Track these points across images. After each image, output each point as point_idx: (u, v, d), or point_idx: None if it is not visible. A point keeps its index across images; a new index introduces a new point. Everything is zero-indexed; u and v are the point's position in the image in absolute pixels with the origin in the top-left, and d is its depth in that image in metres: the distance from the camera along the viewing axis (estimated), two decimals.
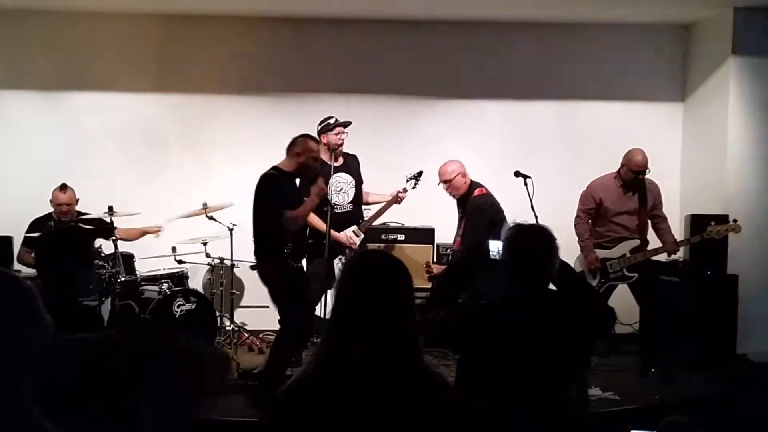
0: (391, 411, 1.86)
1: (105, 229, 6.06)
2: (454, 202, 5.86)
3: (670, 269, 6.34)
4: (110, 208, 5.86)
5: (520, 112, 7.27)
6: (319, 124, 6.04)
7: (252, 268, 5.21)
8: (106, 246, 5.83)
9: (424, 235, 6.56)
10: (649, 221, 5.81)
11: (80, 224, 5.95)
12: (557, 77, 7.24)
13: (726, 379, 5.56)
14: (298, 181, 5.25)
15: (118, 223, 5.86)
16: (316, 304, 5.62)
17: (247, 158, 7.11)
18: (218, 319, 6.05)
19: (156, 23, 7.05)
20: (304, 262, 5.58)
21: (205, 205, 6.13)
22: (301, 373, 2.02)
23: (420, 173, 5.90)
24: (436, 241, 6.55)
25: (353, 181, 5.96)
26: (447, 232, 6.12)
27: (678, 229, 6.29)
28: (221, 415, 4.48)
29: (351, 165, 5.97)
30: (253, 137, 7.14)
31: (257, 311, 6.63)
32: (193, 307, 5.78)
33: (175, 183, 7.02)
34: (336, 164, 5.78)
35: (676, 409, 4.67)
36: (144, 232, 6.25)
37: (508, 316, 2.71)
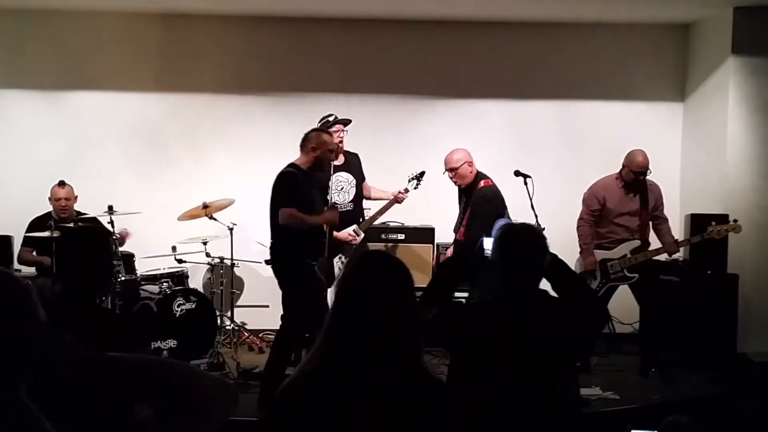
0: (389, 411, 1.86)
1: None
2: (455, 201, 5.85)
3: (671, 269, 6.34)
4: (110, 208, 5.86)
5: (519, 112, 7.27)
6: (319, 122, 6.06)
7: (267, 262, 5.19)
8: None
9: (425, 234, 6.56)
10: (650, 222, 5.81)
11: (82, 224, 5.96)
12: (557, 77, 7.24)
13: (726, 378, 5.56)
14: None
15: (118, 223, 5.86)
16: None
17: (247, 158, 7.13)
18: (218, 318, 6.05)
19: (156, 23, 7.04)
20: None
21: (205, 204, 6.13)
22: (300, 372, 2.02)
23: (422, 173, 5.89)
24: (437, 241, 6.55)
25: (354, 180, 5.96)
26: (447, 231, 6.11)
27: (678, 229, 6.29)
28: None
29: (352, 164, 5.98)
30: (253, 137, 7.15)
31: (257, 311, 6.64)
32: (193, 306, 5.77)
33: (176, 182, 7.02)
34: (337, 163, 5.79)
35: (677, 408, 4.67)
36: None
37: (498, 315, 2.72)
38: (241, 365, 5.63)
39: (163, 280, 5.86)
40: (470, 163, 5.62)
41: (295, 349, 5.24)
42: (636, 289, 5.74)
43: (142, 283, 5.91)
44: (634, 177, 5.66)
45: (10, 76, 7.00)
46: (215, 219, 6.18)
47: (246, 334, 6.50)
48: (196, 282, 6.73)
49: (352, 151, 6.02)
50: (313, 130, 5.24)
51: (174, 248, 6.12)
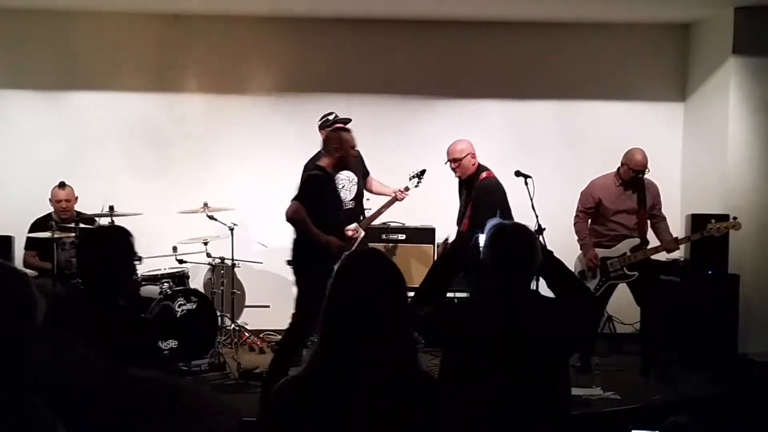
0: (385, 410, 1.86)
1: None
2: (456, 201, 5.83)
3: (671, 269, 6.35)
4: (111, 208, 5.87)
5: (520, 112, 7.27)
6: (319, 120, 6.09)
7: (288, 263, 5.19)
8: None
9: (425, 234, 6.56)
10: (648, 221, 5.82)
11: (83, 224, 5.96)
12: (558, 77, 7.24)
13: (727, 378, 5.56)
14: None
15: (119, 223, 5.86)
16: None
17: (248, 157, 7.13)
18: (219, 318, 6.05)
19: (156, 22, 7.04)
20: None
21: (205, 204, 6.13)
22: (297, 372, 2.02)
23: (423, 171, 5.89)
24: (437, 241, 6.55)
25: (355, 179, 5.98)
26: (448, 231, 6.11)
27: (679, 229, 6.29)
28: None
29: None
30: (254, 136, 7.15)
31: (258, 311, 6.64)
32: (194, 306, 5.77)
33: (176, 182, 7.02)
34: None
35: (678, 409, 4.67)
36: None
37: (489, 315, 2.72)
38: (242, 365, 5.63)
39: (163, 280, 5.85)
40: (473, 155, 5.60)
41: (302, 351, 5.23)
42: (635, 289, 5.74)
43: (143, 283, 5.90)
44: (633, 175, 5.67)
45: (10, 76, 7.00)
46: (216, 219, 6.17)
47: (247, 334, 6.50)
48: (196, 282, 6.72)
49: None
50: (333, 130, 5.29)
51: (175, 248, 6.12)
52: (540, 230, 5.16)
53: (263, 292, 6.79)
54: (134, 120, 7.08)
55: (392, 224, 6.52)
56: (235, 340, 6.20)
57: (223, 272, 6.32)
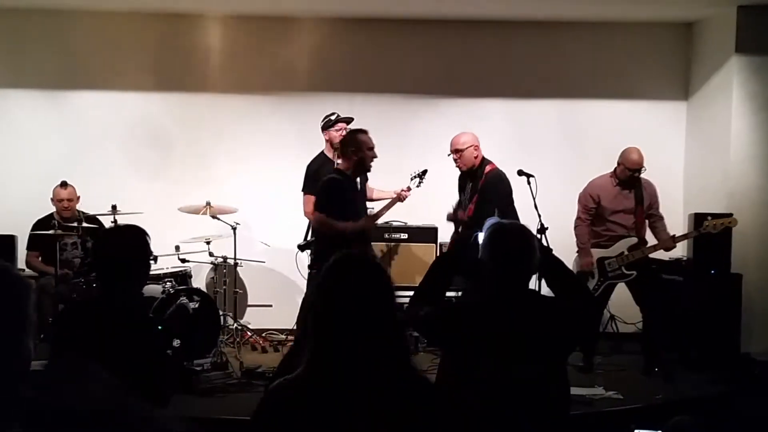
0: (376, 412, 1.85)
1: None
2: (456, 199, 5.82)
3: (674, 268, 6.34)
4: (114, 207, 5.87)
5: (522, 112, 7.27)
6: (322, 120, 6.09)
7: (310, 267, 5.20)
8: None
9: (427, 234, 6.56)
10: (646, 220, 5.82)
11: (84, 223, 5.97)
12: (559, 76, 7.23)
13: (729, 378, 5.55)
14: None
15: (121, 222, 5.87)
16: None
17: (250, 157, 7.14)
18: (222, 318, 6.05)
19: (157, 22, 7.05)
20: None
21: (208, 204, 6.13)
22: (290, 374, 2.01)
23: (425, 172, 5.88)
24: (439, 240, 6.55)
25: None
26: (450, 231, 6.11)
27: (681, 228, 6.28)
28: (226, 414, 4.49)
29: None
30: (255, 136, 7.15)
31: (261, 310, 6.65)
32: (197, 306, 5.77)
33: (178, 182, 7.02)
34: (339, 161, 5.78)
35: (680, 408, 4.66)
36: None
37: (488, 314, 2.72)
38: (245, 365, 5.63)
39: (166, 279, 5.86)
40: (476, 147, 5.61)
41: None
42: (634, 288, 5.75)
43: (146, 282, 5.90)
44: (629, 174, 5.70)
45: (11, 75, 7.01)
46: (219, 218, 6.18)
47: (249, 333, 6.50)
48: (199, 281, 6.73)
49: None
50: (350, 132, 5.29)
51: (177, 247, 6.12)
52: (543, 229, 5.15)
53: (266, 292, 6.80)
54: (135, 119, 7.09)
55: (394, 224, 6.52)
56: (238, 340, 6.20)
57: (226, 271, 6.31)
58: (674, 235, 5.75)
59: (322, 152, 6.11)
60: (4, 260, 1.81)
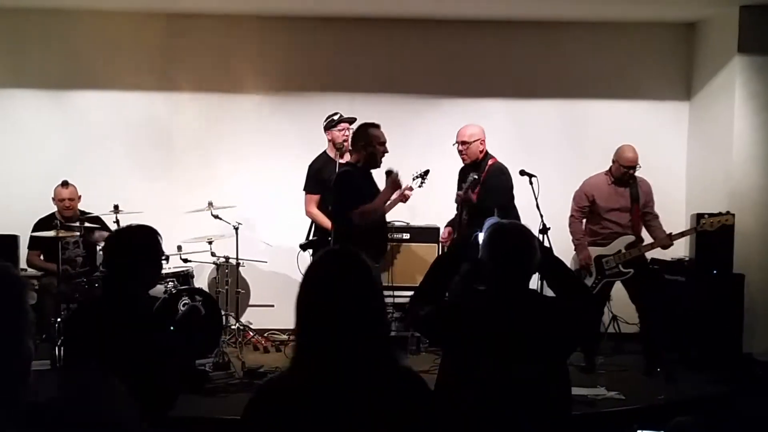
0: (363, 409, 1.84)
1: (106, 228, 6.10)
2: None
3: (676, 268, 6.34)
4: (116, 207, 5.88)
5: (524, 111, 7.27)
6: (325, 120, 6.09)
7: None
8: None
9: (429, 234, 6.55)
10: (642, 219, 5.82)
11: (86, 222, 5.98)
12: (561, 76, 7.23)
13: (731, 378, 5.55)
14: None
15: (123, 222, 5.87)
16: None
17: (251, 157, 7.14)
18: (224, 318, 6.06)
19: (160, 22, 7.05)
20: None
21: (210, 203, 6.14)
22: (278, 373, 2.02)
23: (427, 172, 5.88)
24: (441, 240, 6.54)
25: None
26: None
27: (683, 227, 6.27)
28: (228, 414, 4.49)
29: None
30: (257, 136, 7.15)
31: (263, 310, 6.65)
32: (199, 305, 5.77)
33: (180, 181, 7.03)
34: (342, 161, 5.79)
35: (682, 409, 4.66)
36: None
37: (488, 314, 2.72)
38: (247, 365, 5.64)
39: (168, 279, 5.86)
40: (482, 142, 5.65)
41: None
42: (631, 286, 5.76)
43: None
44: (624, 171, 5.72)
45: (13, 75, 7.02)
46: (221, 218, 6.18)
47: (251, 333, 6.51)
48: (201, 281, 6.74)
49: None
50: (361, 126, 5.25)
51: (179, 247, 6.12)
52: (545, 229, 5.15)
53: (268, 291, 6.79)
54: (136, 119, 7.09)
55: (396, 223, 6.51)
56: (240, 340, 6.20)
57: (228, 271, 6.32)
58: (670, 233, 5.74)
59: (325, 152, 6.12)
60: (5, 260, 1.81)
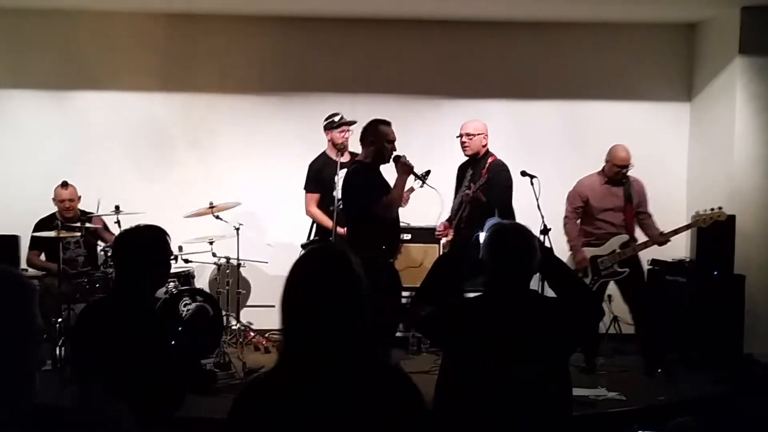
0: (348, 408, 1.84)
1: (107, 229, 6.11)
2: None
3: (677, 269, 6.34)
4: (117, 208, 5.88)
5: (524, 112, 7.27)
6: (325, 120, 6.08)
7: None
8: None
9: (430, 234, 6.53)
10: (636, 218, 5.82)
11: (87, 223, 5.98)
12: (562, 77, 7.23)
13: (732, 379, 5.55)
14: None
15: (123, 222, 5.87)
16: None
17: (252, 157, 7.14)
18: (224, 318, 6.06)
19: (161, 22, 7.05)
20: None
21: (211, 204, 6.14)
22: (263, 373, 2.01)
23: (428, 172, 5.87)
24: (442, 241, 6.53)
25: None
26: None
27: None
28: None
29: None
30: (258, 136, 7.16)
31: (263, 311, 6.64)
32: (207, 306, 5.77)
33: (180, 182, 7.04)
34: (342, 160, 5.78)
35: (682, 409, 4.66)
36: None
37: (489, 314, 2.72)
38: (247, 365, 5.64)
39: (169, 279, 5.86)
40: (485, 136, 5.68)
41: None
42: (624, 286, 5.76)
43: None
44: (617, 170, 5.75)
45: (13, 75, 7.02)
46: (221, 219, 6.18)
47: (252, 334, 6.51)
48: (202, 282, 6.74)
49: (357, 152, 6.01)
50: (370, 122, 5.22)
51: (180, 248, 6.13)
52: (546, 230, 5.15)
53: (268, 292, 6.77)
54: (137, 120, 7.10)
55: None
56: (241, 340, 6.20)
57: (229, 272, 6.32)
58: (662, 231, 5.74)
59: (324, 152, 6.12)
60: (6, 260, 1.82)
